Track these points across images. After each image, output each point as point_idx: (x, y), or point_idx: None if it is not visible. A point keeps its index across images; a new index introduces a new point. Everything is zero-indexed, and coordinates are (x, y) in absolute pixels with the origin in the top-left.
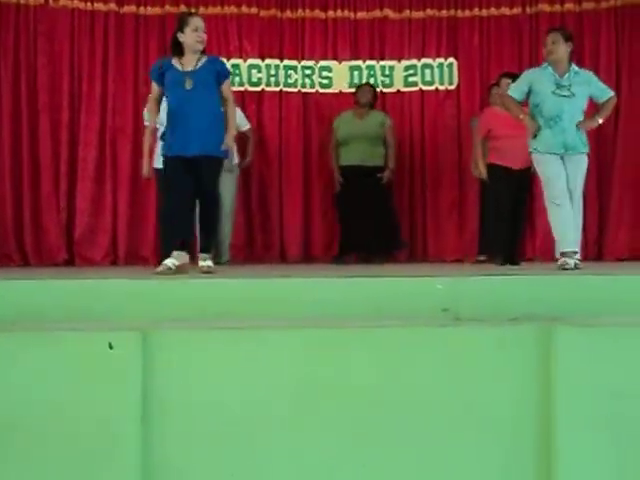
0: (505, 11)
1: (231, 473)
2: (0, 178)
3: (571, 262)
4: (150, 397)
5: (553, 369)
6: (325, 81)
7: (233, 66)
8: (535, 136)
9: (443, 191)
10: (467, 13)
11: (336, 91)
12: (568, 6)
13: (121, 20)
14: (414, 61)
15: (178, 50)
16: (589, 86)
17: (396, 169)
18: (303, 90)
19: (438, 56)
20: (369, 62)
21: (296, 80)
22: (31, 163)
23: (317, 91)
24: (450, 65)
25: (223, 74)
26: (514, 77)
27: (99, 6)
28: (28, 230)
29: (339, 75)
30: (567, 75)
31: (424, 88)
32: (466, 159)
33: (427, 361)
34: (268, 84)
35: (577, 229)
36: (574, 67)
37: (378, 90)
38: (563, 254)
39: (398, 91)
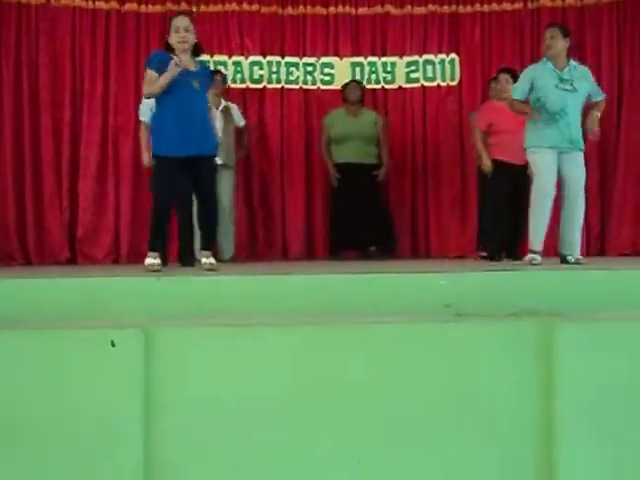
0: (507, 6)
1: (231, 469)
2: (2, 177)
3: (539, 258)
4: (152, 394)
5: (555, 365)
6: (327, 77)
7: (235, 63)
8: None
9: (445, 187)
10: (468, 9)
11: (338, 87)
12: (569, 1)
13: (122, 18)
14: (416, 57)
15: (169, 50)
16: (587, 82)
17: (398, 165)
18: (305, 87)
19: (440, 52)
20: (371, 58)
21: (298, 77)
22: (33, 162)
23: (319, 88)
24: (452, 61)
25: (211, 81)
26: (512, 72)
27: (100, 4)
28: (30, 229)
29: (341, 71)
30: (567, 70)
31: (426, 84)
32: (468, 155)
33: (428, 357)
34: (270, 81)
35: (578, 232)
36: (572, 62)
37: (379, 87)
38: (533, 251)
39: (400, 87)
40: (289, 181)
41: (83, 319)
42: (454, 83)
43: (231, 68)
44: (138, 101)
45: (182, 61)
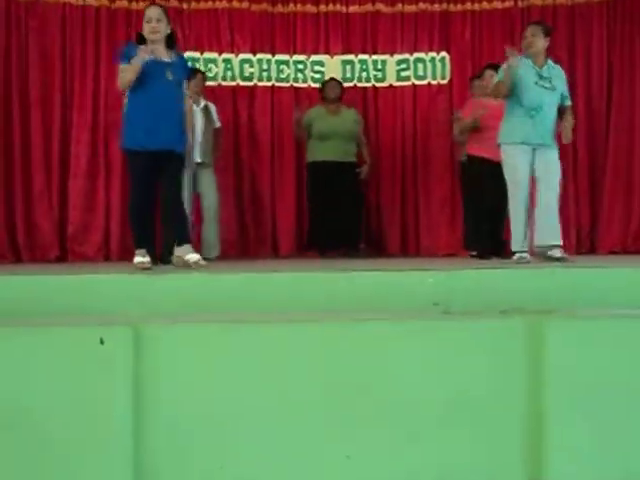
0: (497, 5)
1: (220, 465)
2: None
3: (526, 256)
4: (141, 392)
5: (543, 362)
6: (317, 75)
7: (225, 61)
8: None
9: (435, 185)
10: (459, 7)
11: None
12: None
13: (113, 15)
14: (406, 55)
15: (142, 42)
16: (562, 83)
17: (388, 164)
18: (295, 85)
19: (430, 50)
20: (361, 56)
21: (288, 75)
22: (23, 160)
23: (309, 85)
24: (442, 59)
25: (188, 72)
26: (497, 67)
27: (90, 1)
28: (20, 227)
29: (331, 69)
30: (545, 68)
31: (416, 82)
32: (458, 153)
33: (416, 355)
34: (260, 79)
35: (556, 222)
36: (549, 61)
37: (370, 85)
38: (518, 251)
39: (390, 85)
40: (279, 179)
41: (73, 316)
42: (445, 81)
43: (221, 66)
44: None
45: (153, 51)
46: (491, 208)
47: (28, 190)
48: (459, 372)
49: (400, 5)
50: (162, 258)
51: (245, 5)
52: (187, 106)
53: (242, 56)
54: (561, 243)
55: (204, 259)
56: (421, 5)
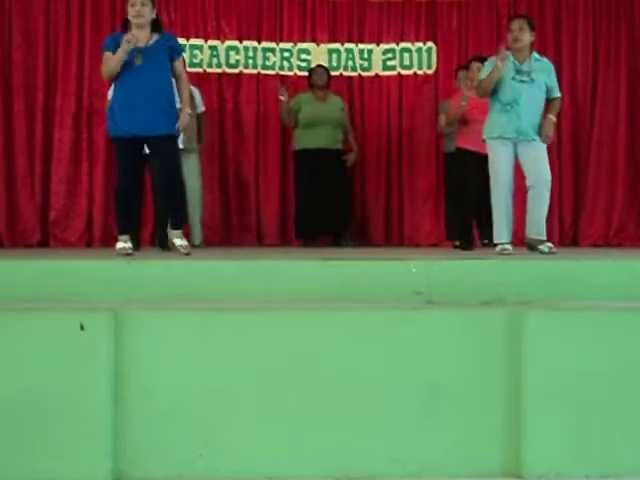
0: None
1: (200, 452)
2: None
3: (508, 247)
4: (121, 377)
5: (523, 352)
6: (303, 64)
7: (211, 47)
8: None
9: (420, 175)
10: None
11: None
12: None
13: None
14: (393, 45)
15: (128, 27)
16: (548, 76)
17: (373, 153)
18: (281, 72)
19: (417, 40)
20: (347, 45)
21: (274, 62)
22: (5, 144)
23: (295, 74)
24: (429, 49)
25: (176, 51)
26: (484, 60)
27: None
28: (2, 212)
29: (317, 58)
30: (527, 62)
31: (402, 72)
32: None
33: (398, 343)
34: (246, 66)
35: (543, 215)
36: (535, 54)
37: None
38: (502, 242)
39: (376, 75)
40: (264, 166)
41: (53, 302)
42: (431, 71)
43: (207, 52)
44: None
45: (134, 36)
46: (477, 200)
47: (11, 175)
48: (440, 361)
49: None
50: (160, 243)
51: None
52: (183, 87)
53: (228, 43)
54: (544, 237)
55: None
56: None
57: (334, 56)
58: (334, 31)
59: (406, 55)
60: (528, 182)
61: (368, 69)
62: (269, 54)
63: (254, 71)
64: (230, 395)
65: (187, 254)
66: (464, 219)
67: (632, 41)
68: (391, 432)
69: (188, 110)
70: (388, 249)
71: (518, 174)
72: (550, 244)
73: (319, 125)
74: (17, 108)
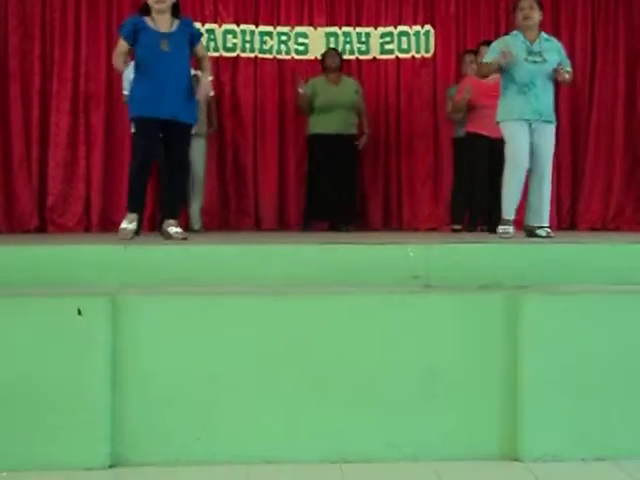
0: None
1: (197, 436)
2: None
3: (510, 230)
4: (119, 362)
5: (520, 336)
6: (301, 47)
7: (208, 31)
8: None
9: (418, 159)
10: None
11: (312, 57)
12: None
13: None
14: (390, 28)
15: (147, 11)
16: (559, 54)
17: (371, 137)
18: (278, 56)
19: (415, 23)
20: (345, 29)
21: (271, 46)
22: (2, 129)
23: (292, 57)
24: (427, 33)
25: (196, 36)
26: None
27: None
28: (0, 197)
29: (315, 41)
30: (537, 42)
31: (400, 56)
32: (442, 127)
33: (396, 327)
34: (243, 50)
35: (547, 202)
36: (543, 34)
37: (354, 57)
38: (505, 221)
39: (374, 58)
40: (262, 151)
41: (51, 287)
42: (429, 55)
43: (204, 36)
44: (110, 67)
45: (157, 22)
46: (483, 183)
47: (7, 160)
48: (438, 345)
49: None
50: (161, 229)
51: None
52: (206, 64)
53: (225, 27)
54: (548, 224)
55: (189, 231)
56: None
57: (332, 40)
58: (332, 15)
59: (404, 39)
60: (534, 165)
61: (366, 53)
62: (266, 38)
63: (251, 55)
64: (228, 379)
65: (184, 239)
66: (470, 203)
67: (630, 25)
68: (388, 416)
69: (210, 76)
70: (386, 233)
71: None
72: (548, 229)
73: (333, 109)
74: (13, 93)
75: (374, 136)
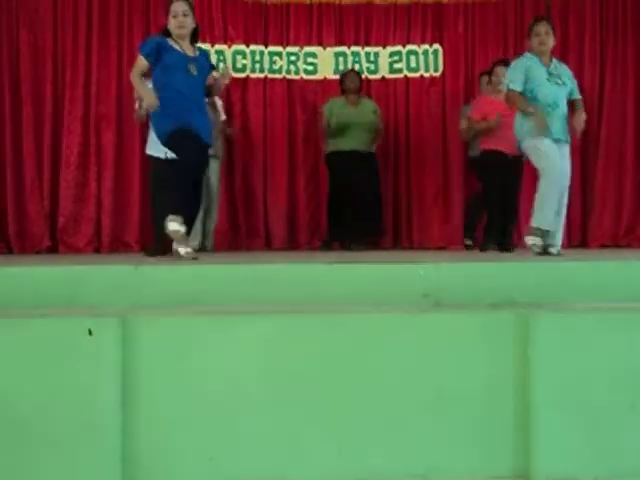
0: None
1: (210, 457)
2: None
3: (539, 243)
4: (129, 383)
5: (532, 354)
6: (310, 67)
7: (217, 52)
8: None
9: (428, 178)
10: None
11: (321, 77)
12: None
13: (105, 5)
14: (399, 47)
15: (167, 35)
16: (571, 79)
17: (381, 156)
18: (288, 76)
19: (423, 42)
20: (354, 48)
21: (281, 66)
22: (14, 150)
23: (302, 77)
24: (435, 52)
25: (212, 65)
26: (508, 62)
27: None
28: (11, 218)
29: (324, 61)
30: (552, 65)
31: (409, 75)
32: (451, 146)
33: (407, 346)
34: (253, 70)
35: (562, 222)
36: (554, 59)
37: (363, 77)
38: (536, 231)
39: (383, 78)
40: (272, 171)
41: (61, 308)
42: (437, 74)
43: (214, 57)
44: (120, 89)
45: (181, 45)
46: (500, 201)
47: (20, 181)
48: (449, 364)
49: None
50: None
51: None
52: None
53: (235, 47)
54: (560, 243)
55: (203, 251)
56: None
57: (340, 59)
58: (340, 34)
59: (412, 58)
60: None
61: (375, 72)
62: (276, 58)
63: (261, 75)
64: (239, 399)
65: (194, 259)
66: (489, 221)
67: (639, 43)
68: (398, 435)
69: (226, 81)
70: (396, 252)
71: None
72: (559, 247)
73: (352, 129)
74: (26, 114)
75: (383, 155)
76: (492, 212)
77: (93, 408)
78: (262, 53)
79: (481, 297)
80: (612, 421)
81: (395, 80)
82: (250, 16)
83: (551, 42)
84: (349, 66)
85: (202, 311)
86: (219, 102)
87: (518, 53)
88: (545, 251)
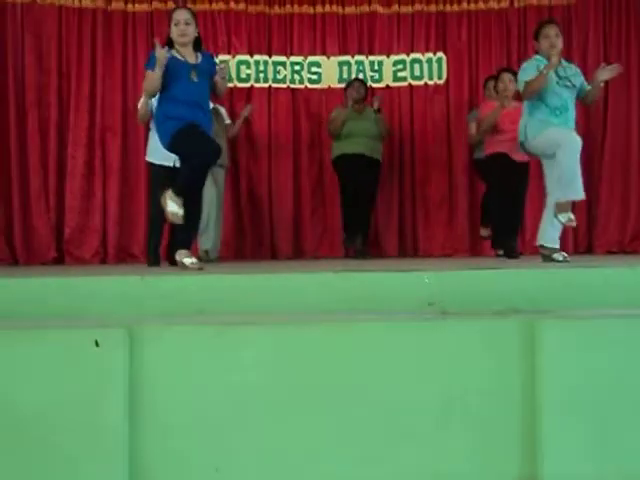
0: (493, 5)
1: (216, 467)
2: None
3: (573, 217)
4: (136, 394)
5: (538, 362)
6: (314, 77)
7: (221, 62)
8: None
9: (432, 186)
10: (455, 8)
11: (325, 86)
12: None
13: (109, 17)
14: (403, 56)
15: (170, 45)
16: (580, 77)
17: (386, 164)
18: (292, 86)
19: (427, 51)
20: (358, 57)
21: (285, 76)
22: (19, 161)
23: (306, 87)
24: (439, 60)
25: (215, 70)
26: (514, 73)
27: (87, 3)
28: (17, 229)
29: (328, 70)
30: (561, 68)
31: (413, 83)
32: (455, 153)
33: (412, 355)
34: (257, 80)
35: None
36: (563, 60)
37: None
38: (568, 206)
39: (387, 86)
40: (277, 180)
41: (68, 319)
42: (441, 82)
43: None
44: (125, 100)
45: (183, 53)
46: (509, 201)
47: (25, 192)
48: (454, 372)
49: (396, 6)
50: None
51: (242, 7)
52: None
53: (239, 57)
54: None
55: (208, 261)
56: (417, 6)
57: (344, 68)
58: (344, 43)
59: (416, 66)
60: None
61: (379, 81)
62: (280, 68)
63: (265, 85)
64: (246, 410)
65: (200, 269)
66: (507, 223)
67: None
68: (405, 444)
69: (225, 76)
70: (401, 260)
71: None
72: (565, 253)
73: (358, 138)
74: (31, 125)
75: (388, 163)
76: (497, 215)
77: (100, 419)
78: (266, 63)
79: (487, 304)
80: (620, 428)
81: (399, 88)
82: (254, 26)
83: (560, 44)
84: (353, 75)
85: (209, 321)
86: (222, 108)
87: (522, 60)
88: (550, 257)
